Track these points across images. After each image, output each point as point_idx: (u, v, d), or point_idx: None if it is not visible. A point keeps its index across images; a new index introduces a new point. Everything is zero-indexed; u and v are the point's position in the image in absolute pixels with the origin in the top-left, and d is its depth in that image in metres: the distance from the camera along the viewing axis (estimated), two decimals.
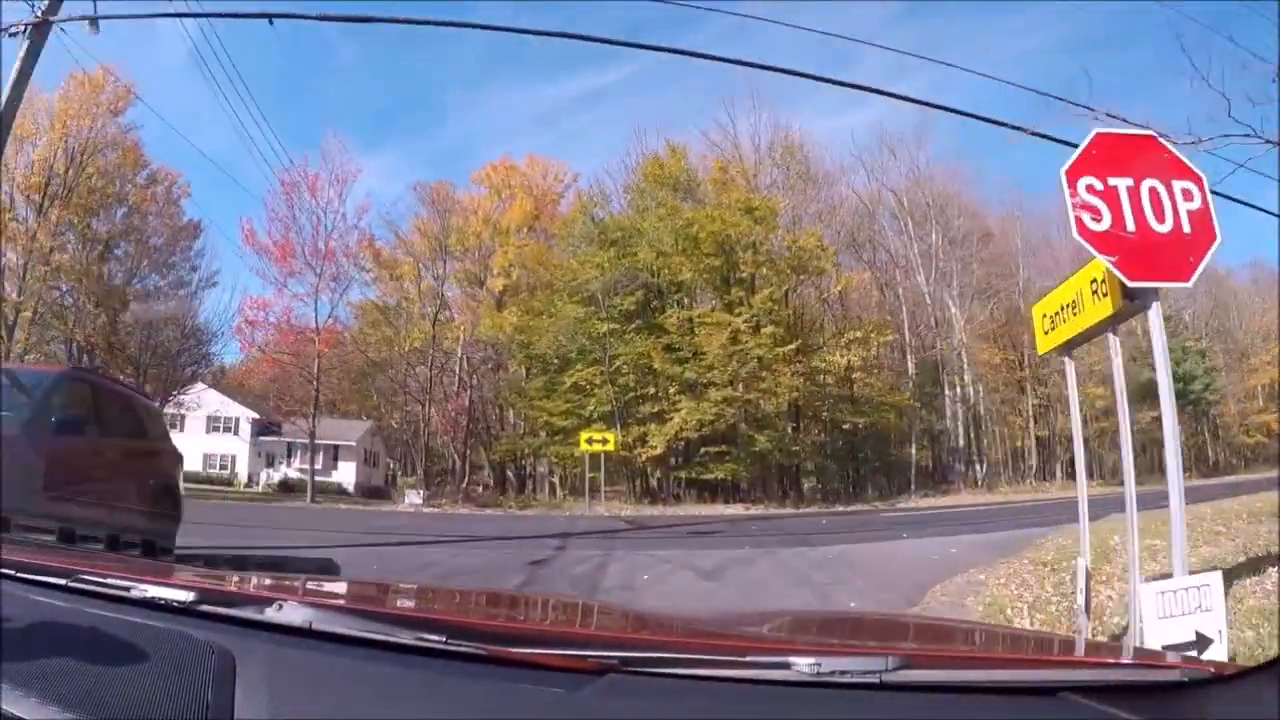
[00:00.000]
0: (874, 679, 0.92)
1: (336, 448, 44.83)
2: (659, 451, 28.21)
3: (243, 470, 42.07)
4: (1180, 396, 42.68)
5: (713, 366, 27.48)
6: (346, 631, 1.07)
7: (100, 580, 1.28)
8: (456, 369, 34.89)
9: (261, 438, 40.93)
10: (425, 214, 38.74)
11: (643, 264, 29.80)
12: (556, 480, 41.82)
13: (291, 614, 1.11)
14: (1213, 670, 1.04)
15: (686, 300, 30.48)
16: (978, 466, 34.86)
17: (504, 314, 37.01)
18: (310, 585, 2.05)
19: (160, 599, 1.20)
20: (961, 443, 34.47)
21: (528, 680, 0.97)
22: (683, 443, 29.98)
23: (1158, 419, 3.22)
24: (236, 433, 42.25)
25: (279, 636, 1.09)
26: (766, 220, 28.42)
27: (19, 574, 1.32)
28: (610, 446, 27.06)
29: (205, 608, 1.17)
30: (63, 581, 1.29)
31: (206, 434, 41.67)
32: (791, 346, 27.23)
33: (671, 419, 28.09)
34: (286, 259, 29.30)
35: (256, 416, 41.22)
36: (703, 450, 29.07)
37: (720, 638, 1.40)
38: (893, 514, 21.17)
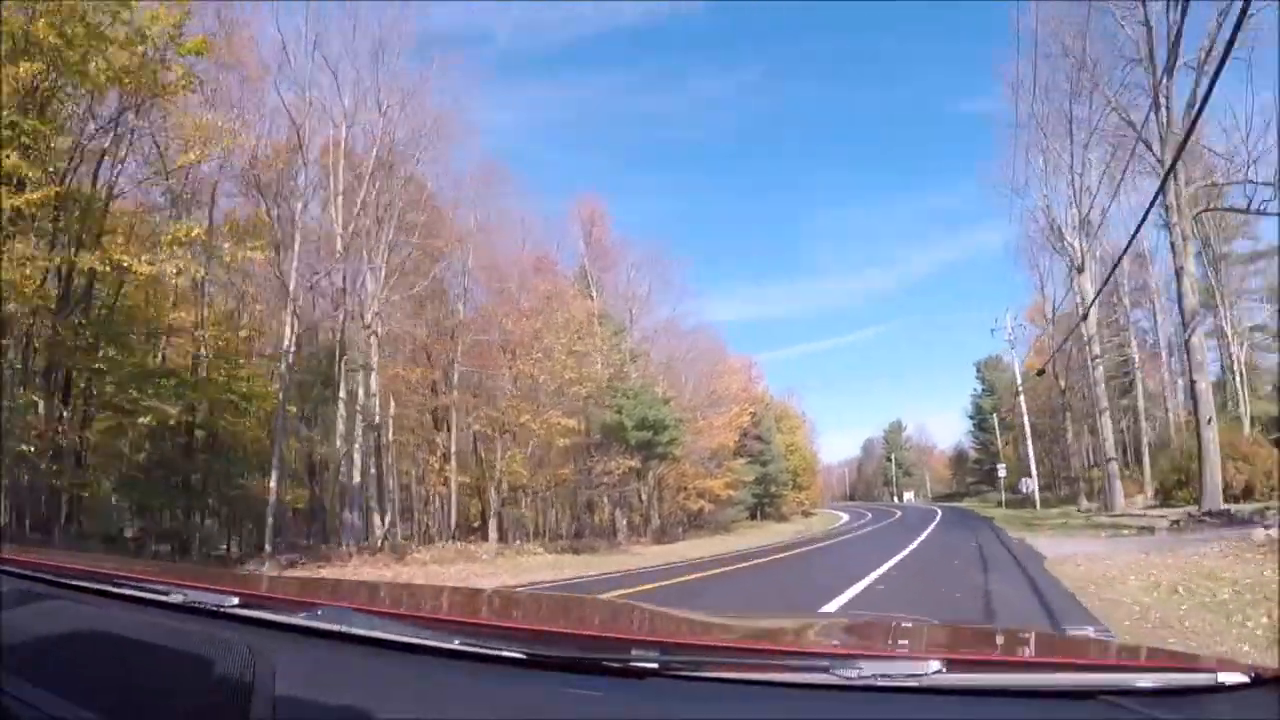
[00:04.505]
0: (914, 683, 0.93)
1: None
2: None
3: None
4: (646, 447, 37.75)
5: None
6: (385, 636, 1.07)
7: (138, 584, 1.27)
8: None
9: None
10: None
11: None
12: None
13: (330, 618, 1.11)
14: (1252, 674, 0.98)
15: None
16: (380, 519, 22.87)
17: None
18: (349, 589, 2.04)
19: (198, 603, 1.19)
20: (357, 479, 22.01)
21: (568, 683, 0.97)
22: None
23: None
24: None
25: (318, 641, 1.09)
26: None
27: (57, 579, 1.32)
28: None
29: (244, 612, 1.17)
30: (100, 586, 1.28)
31: None
32: (42, 193, 11.37)
33: None
34: None
35: None
36: None
37: (761, 640, 1.39)
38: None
